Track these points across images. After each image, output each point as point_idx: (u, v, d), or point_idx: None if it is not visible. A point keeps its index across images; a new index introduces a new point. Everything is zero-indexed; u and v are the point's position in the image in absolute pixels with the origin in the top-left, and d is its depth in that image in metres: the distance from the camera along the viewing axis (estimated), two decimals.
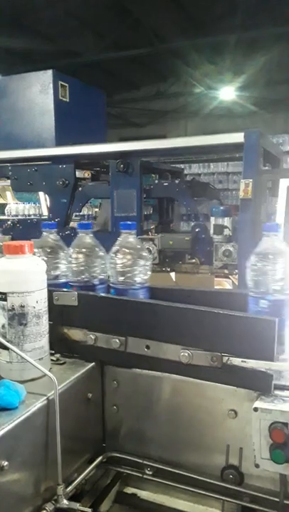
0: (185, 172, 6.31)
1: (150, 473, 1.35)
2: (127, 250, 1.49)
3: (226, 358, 1.20)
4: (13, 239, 3.59)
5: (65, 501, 1.15)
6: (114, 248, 1.51)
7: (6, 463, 0.99)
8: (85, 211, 4.27)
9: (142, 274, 1.50)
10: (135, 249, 1.50)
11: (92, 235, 1.55)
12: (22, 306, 1.19)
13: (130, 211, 3.80)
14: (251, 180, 3.12)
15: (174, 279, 4.02)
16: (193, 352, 1.24)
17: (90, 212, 4.27)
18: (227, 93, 11.98)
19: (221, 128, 10.73)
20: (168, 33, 9.15)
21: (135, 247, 1.50)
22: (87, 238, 1.55)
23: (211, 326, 1.23)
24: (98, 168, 4.58)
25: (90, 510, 1.17)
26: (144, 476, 1.36)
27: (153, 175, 4.64)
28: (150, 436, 1.38)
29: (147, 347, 1.31)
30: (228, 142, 3.44)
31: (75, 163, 4.05)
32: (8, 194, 5.06)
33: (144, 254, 1.51)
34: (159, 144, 3.88)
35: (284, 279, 1.31)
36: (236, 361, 1.19)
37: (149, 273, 1.53)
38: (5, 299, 1.18)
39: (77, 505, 1.16)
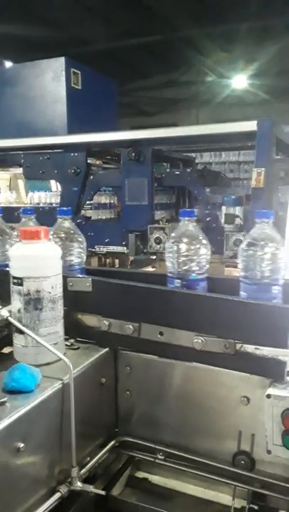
0: (196, 161, 6.26)
1: (162, 457, 1.37)
2: (63, 235, 1.59)
3: (240, 345, 1.21)
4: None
5: (79, 484, 1.17)
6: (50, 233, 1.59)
7: (22, 445, 1.01)
8: (106, 199, 4.23)
9: (75, 257, 1.59)
10: (69, 234, 1.60)
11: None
12: (38, 291, 1.20)
13: (141, 200, 3.80)
14: (263, 169, 3.09)
15: None
16: (207, 339, 1.24)
17: (112, 201, 4.23)
18: (239, 81, 11.84)
19: (232, 117, 10.59)
20: (180, 21, 9.04)
21: (69, 232, 1.60)
22: None
23: (225, 312, 1.23)
24: (109, 157, 4.57)
25: (103, 492, 1.19)
26: (156, 461, 1.38)
27: (164, 163, 4.61)
28: (162, 422, 1.40)
29: (161, 333, 1.32)
30: (240, 130, 3.40)
31: (86, 152, 4.04)
32: (20, 182, 5.07)
33: (80, 239, 1.62)
34: (171, 132, 3.85)
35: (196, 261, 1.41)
36: (250, 348, 1.20)
37: (84, 255, 1.64)
38: (21, 284, 1.20)
39: (90, 488, 1.18)
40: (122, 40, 9.45)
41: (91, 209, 4.21)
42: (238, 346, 1.21)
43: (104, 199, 4.24)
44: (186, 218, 1.45)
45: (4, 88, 4.49)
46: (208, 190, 4.37)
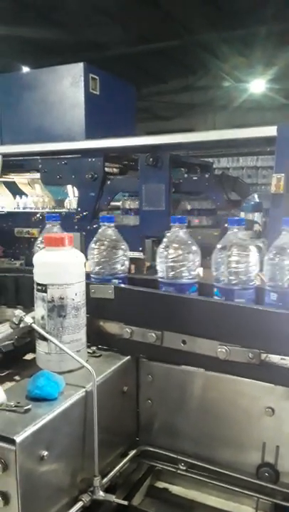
0: (214, 166, 6.24)
1: (184, 468, 1.35)
2: None
3: (265, 354, 1.19)
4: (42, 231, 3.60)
5: (101, 493, 1.15)
6: None
7: (46, 453, 1.00)
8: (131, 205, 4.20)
9: None
10: None
11: None
12: (61, 298, 1.19)
13: (159, 205, 3.79)
14: (283, 174, 3.07)
15: (201, 275, 4.00)
16: (231, 348, 1.22)
17: None
18: (257, 86, 11.80)
19: (250, 121, 10.57)
20: (197, 26, 9.04)
21: None
22: None
23: (250, 322, 1.21)
24: (126, 162, 4.57)
25: (126, 502, 1.18)
26: (178, 471, 1.36)
27: (182, 169, 4.60)
28: (184, 432, 1.38)
29: (183, 342, 1.30)
30: (259, 136, 3.39)
31: (104, 157, 4.05)
32: (38, 187, 5.10)
33: None
34: (189, 137, 3.84)
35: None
36: (275, 358, 1.17)
37: None
38: (45, 291, 1.19)
39: (113, 497, 1.16)
40: (139, 44, 9.48)
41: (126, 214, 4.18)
42: (263, 356, 1.19)
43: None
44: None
45: (22, 93, 4.52)
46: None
